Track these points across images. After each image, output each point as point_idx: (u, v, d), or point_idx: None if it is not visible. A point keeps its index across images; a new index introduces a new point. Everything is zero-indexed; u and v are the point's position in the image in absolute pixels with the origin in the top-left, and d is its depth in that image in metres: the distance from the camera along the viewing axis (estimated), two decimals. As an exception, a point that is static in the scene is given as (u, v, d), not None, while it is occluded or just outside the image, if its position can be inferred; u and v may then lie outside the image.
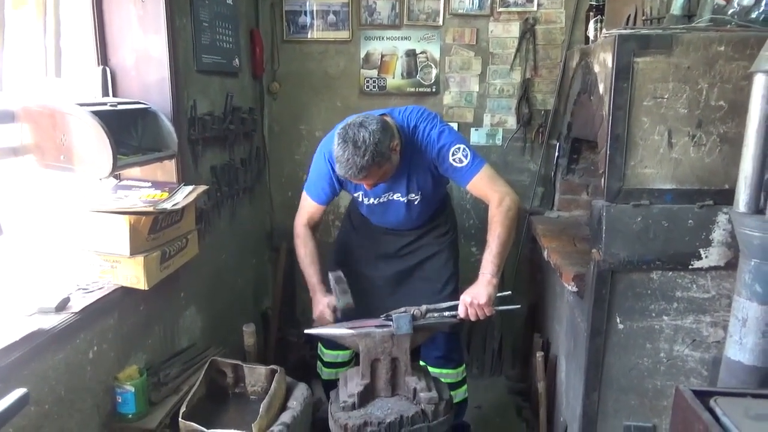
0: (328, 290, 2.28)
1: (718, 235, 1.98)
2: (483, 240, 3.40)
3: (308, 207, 2.41)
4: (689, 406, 1.33)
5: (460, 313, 2.06)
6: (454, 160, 2.17)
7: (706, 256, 2.00)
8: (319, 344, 2.70)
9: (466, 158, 2.16)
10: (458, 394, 2.52)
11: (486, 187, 2.20)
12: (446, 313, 2.09)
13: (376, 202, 2.34)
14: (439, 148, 2.18)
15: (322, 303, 2.28)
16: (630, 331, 2.11)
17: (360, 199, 2.37)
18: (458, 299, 2.10)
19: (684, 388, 1.39)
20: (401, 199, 2.31)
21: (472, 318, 2.07)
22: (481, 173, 2.18)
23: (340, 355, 2.65)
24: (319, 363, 2.74)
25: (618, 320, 2.11)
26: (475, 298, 2.04)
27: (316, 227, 2.45)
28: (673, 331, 2.10)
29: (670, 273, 2.05)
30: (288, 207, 3.32)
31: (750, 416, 1.27)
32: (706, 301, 2.06)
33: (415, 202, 2.32)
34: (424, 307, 2.01)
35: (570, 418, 2.44)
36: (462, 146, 2.17)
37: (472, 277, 2.06)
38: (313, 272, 2.34)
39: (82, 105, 1.79)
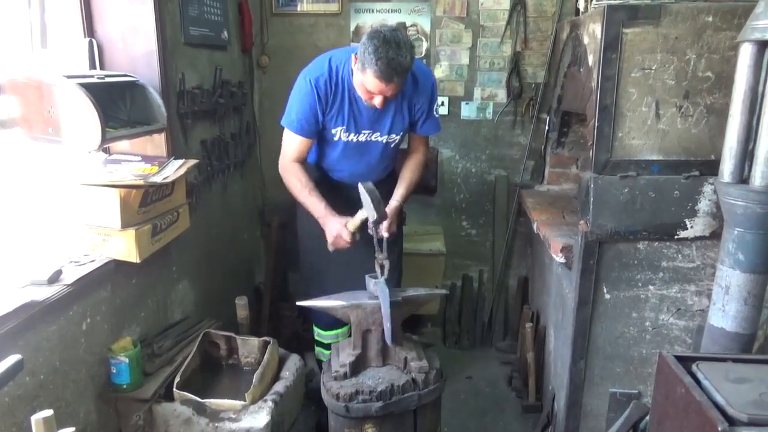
0: (338, 213, 2.23)
1: (703, 205, 2.01)
2: (474, 214, 3.48)
3: (292, 144, 2.31)
4: (672, 371, 1.37)
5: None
6: (436, 108, 2.36)
7: (692, 227, 2.03)
8: (316, 329, 2.66)
9: (438, 114, 2.39)
10: None
11: (425, 144, 2.46)
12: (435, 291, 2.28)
13: (355, 139, 2.29)
14: (432, 90, 2.32)
15: (339, 223, 2.20)
16: (616, 301, 2.15)
17: (337, 138, 2.28)
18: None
19: (667, 353, 1.43)
20: (380, 139, 2.31)
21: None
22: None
23: (340, 334, 2.58)
24: (319, 349, 2.69)
25: (605, 290, 2.14)
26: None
27: (304, 163, 2.36)
28: (659, 300, 2.14)
29: (656, 243, 2.08)
30: (279, 182, 3.30)
31: (730, 379, 1.31)
32: (691, 271, 2.10)
33: (392, 145, 2.35)
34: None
35: (558, 386, 2.49)
36: (440, 100, 2.28)
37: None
38: (317, 199, 2.25)
39: (69, 77, 1.77)
